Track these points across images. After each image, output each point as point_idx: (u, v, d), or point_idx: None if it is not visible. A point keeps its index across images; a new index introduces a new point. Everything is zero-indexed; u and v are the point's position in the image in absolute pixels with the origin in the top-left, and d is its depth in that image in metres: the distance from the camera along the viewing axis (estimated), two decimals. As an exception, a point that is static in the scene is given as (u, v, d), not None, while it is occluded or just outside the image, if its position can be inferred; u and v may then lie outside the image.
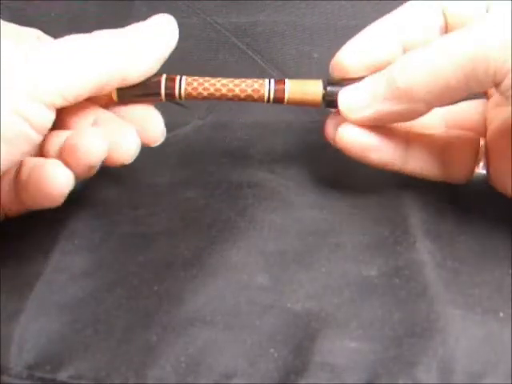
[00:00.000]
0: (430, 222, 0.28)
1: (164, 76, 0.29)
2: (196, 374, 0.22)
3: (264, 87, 0.28)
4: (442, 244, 0.27)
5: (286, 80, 0.29)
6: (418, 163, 0.29)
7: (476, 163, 0.30)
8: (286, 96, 0.28)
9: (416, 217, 0.28)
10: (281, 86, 0.28)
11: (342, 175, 0.32)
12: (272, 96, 0.28)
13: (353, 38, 0.29)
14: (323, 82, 0.28)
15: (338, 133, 0.28)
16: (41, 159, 0.27)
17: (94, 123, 0.28)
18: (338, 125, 0.28)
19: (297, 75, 0.38)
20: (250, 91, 0.28)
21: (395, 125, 0.29)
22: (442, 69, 0.24)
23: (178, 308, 0.24)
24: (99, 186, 0.31)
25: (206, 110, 0.38)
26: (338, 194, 0.30)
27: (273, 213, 0.29)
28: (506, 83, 0.24)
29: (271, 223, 0.28)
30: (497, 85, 0.24)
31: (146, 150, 0.34)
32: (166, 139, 0.33)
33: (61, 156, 0.27)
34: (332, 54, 0.38)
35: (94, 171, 0.27)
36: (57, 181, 0.26)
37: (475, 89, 0.25)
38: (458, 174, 0.30)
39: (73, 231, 0.28)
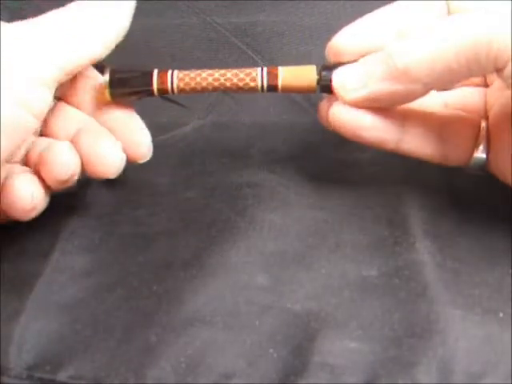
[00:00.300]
0: (429, 222, 0.28)
1: (156, 71, 0.28)
2: (195, 374, 0.22)
3: (257, 77, 0.28)
4: (441, 244, 0.27)
5: (279, 67, 0.28)
6: (414, 142, 0.28)
7: (476, 146, 0.28)
8: (280, 83, 0.28)
9: (416, 217, 0.28)
10: (274, 74, 0.28)
11: (341, 175, 0.32)
12: (266, 84, 0.28)
13: (351, 23, 0.29)
14: (317, 67, 0.28)
15: (330, 112, 0.27)
16: (14, 170, 0.27)
17: (77, 132, 0.28)
18: (331, 106, 0.28)
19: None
20: (243, 82, 0.28)
21: None
22: (444, 50, 0.24)
23: (178, 308, 0.24)
24: (99, 186, 0.31)
25: (205, 110, 0.38)
26: (337, 195, 0.30)
27: (272, 213, 0.29)
28: (508, 70, 0.23)
29: (271, 223, 0.28)
30: (498, 70, 0.24)
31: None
32: (166, 139, 0.33)
33: (36, 167, 0.27)
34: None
35: (71, 183, 0.28)
36: (22, 196, 0.26)
37: (476, 73, 0.25)
38: (455, 156, 0.29)
39: (73, 231, 0.28)
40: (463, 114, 0.29)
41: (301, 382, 0.21)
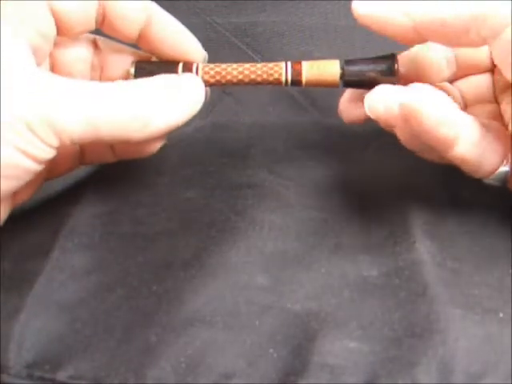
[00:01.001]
0: (429, 222, 0.28)
1: (181, 64, 0.29)
2: (195, 374, 0.22)
3: (282, 71, 0.28)
4: (441, 244, 0.27)
5: (303, 62, 0.28)
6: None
7: (505, 159, 0.27)
8: (304, 78, 0.28)
9: (416, 217, 0.28)
10: (298, 69, 0.28)
11: (341, 176, 0.32)
12: (290, 79, 0.28)
13: None
14: (340, 61, 0.28)
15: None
16: None
17: None
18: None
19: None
20: (267, 76, 0.28)
21: None
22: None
23: (178, 308, 0.24)
24: (99, 185, 0.31)
25: (205, 110, 0.38)
26: (337, 195, 0.30)
27: (272, 213, 0.29)
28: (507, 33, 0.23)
29: (271, 223, 0.28)
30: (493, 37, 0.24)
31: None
32: (166, 139, 0.33)
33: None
34: (332, 54, 0.38)
35: None
36: None
37: (472, 35, 0.25)
38: (489, 166, 0.27)
39: (73, 230, 0.28)
40: (497, 124, 0.28)
41: (301, 382, 0.21)
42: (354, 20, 0.39)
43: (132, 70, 0.29)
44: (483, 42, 0.25)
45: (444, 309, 0.23)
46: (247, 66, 0.29)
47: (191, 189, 0.31)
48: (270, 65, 0.29)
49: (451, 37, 0.26)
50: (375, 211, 0.29)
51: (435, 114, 0.25)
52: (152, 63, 0.29)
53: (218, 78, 0.28)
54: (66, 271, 0.26)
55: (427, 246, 0.26)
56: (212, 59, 0.39)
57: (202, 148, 0.35)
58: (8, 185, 0.24)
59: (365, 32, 0.38)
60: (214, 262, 0.26)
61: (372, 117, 0.27)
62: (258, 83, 0.29)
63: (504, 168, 0.28)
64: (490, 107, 0.31)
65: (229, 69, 0.28)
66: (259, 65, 0.29)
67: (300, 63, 0.28)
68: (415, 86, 0.27)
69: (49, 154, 0.24)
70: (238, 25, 0.39)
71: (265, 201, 0.29)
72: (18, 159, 0.23)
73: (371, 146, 0.33)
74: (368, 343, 0.22)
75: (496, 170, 0.27)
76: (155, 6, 0.28)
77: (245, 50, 0.39)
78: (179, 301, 0.24)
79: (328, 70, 0.28)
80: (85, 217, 0.29)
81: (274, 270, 0.26)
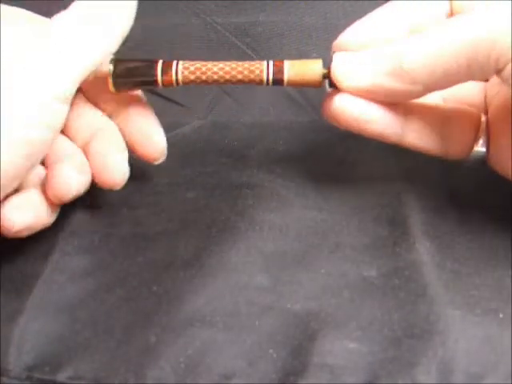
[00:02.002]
0: (429, 222, 0.28)
1: (160, 61, 0.28)
2: (195, 374, 0.22)
3: (263, 69, 0.27)
4: (441, 245, 0.27)
5: (285, 61, 0.28)
6: (416, 136, 0.28)
7: (476, 140, 0.28)
8: (286, 77, 0.27)
9: (415, 217, 0.28)
10: (279, 67, 0.27)
11: (341, 176, 0.32)
12: (271, 78, 0.27)
13: (357, 21, 0.28)
14: (324, 61, 0.28)
15: (334, 104, 0.27)
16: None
17: (91, 137, 0.29)
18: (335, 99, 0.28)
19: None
20: (248, 73, 0.28)
21: None
22: (444, 52, 0.24)
23: (178, 308, 0.24)
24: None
25: (205, 110, 0.38)
26: (337, 195, 0.30)
27: (272, 213, 0.29)
28: (508, 70, 0.23)
29: (271, 224, 0.28)
30: (498, 71, 0.24)
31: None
32: (166, 139, 0.33)
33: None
34: (332, 54, 0.38)
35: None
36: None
37: (476, 76, 0.24)
38: (456, 150, 0.28)
39: (72, 232, 0.28)
40: (464, 108, 0.29)
41: (300, 383, 0.21)
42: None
43: (111, 68, 0.28)
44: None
45: (444, 309, 0.23)
46: (228, 63, 0.28)
47: (191, 189, 0.31)
48: (252, 62, 0.28)
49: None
50: (375, 211, 0.29)
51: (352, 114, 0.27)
52: (131, 61, 0.28)
53: (198, 73, 0.28)
54: (66, 273, 0.26)
55: (427, 247, 0.26)
56: (212, 59, 0.39)
57: (202, 148, 0.35)
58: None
59: (365, 32, 0.38)
60: (214, 262, 0.26)
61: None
62: (239, 81, 0.28)
63: (480, 149, 0.28)
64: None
65: (209, 65, 0.28)
66: (240, 62, 0.28)
67: (282, 62, 0.28)
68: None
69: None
70: (238, 25, 0.39)
71: (265, 201, 0.29)
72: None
73: (371, 147, 0.33)
74: (368, 344, 0.22)
75: (464, 152, 0.28)
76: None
77: (245, 50, 0.39)
78: (179, 301, 0.24)
79: (311, 68, 0.27)
80: (84, 218, 0.29)
81: (273, 270, 0.26)
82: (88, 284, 0.25)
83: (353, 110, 0.27)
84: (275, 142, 0.35)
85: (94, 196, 0.30)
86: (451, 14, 0.28)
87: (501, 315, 0.23)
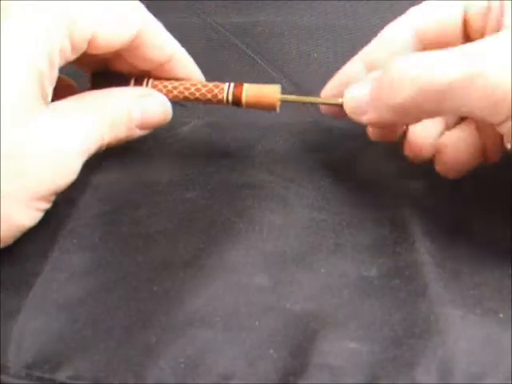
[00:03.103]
0: (429, 222, 0.28)
1: (133, 78, 0.30)
2: (195, 374, 0.22)
3: (223, 91, 0.30)
4: (441, 244, 0.27)
5: (245, 84, 0.30)
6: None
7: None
8: (244, 99, 0.29)
9: (415, 217, 0.28)
10: (239, 90, 0.29)
11: (341, 176, 0.32)
12: (230, 99, 0.30)
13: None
14: (280, 87, 0.30)
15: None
16: None
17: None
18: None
19: (297, 75, 0.38)
20: (210, 96, 0.30)
21: None
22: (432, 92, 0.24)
23: (177, 309, 0.24)
24: (99, 185, 0.31)
25: (205, 110, 0.38)
26: (337, 195, 0.30)
27: (272, 214, 0.29)
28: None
29: (270, 224, 0.28)
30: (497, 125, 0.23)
31: (146, 150, 0.34)
32: (166, 139, 0.33)
33: None
34: (332, 54, 0.38)
35: None
36: None
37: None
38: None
39: (72, 230, 0.28)
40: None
41: (300, 383, 0.21)
42: (354, 20, 0.39)
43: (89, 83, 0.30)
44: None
45: (444, 309, 0.23)
46: (194, 82, 0.30)
47: (191, 189, 0.31)
48: (217, 83, 0.30)
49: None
50: (375, 211, 0.29)
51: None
52: (107, 77, 0.30)
53: (164, 92, 0.30)
54: (66, 272, 0.26)
55: (427, 247, 0.26)
56: (212, 59, 0.39)
57: (202, 148, 0.35)
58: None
59: (365, 32, 0.38)
60: (214, 262, 0.26)
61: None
62: (203, 101, 0.30)
63: None
64: None
65: (176, 84, 0.30)
66: (206, 83, 0.30)
67: (242, 85, 0.30)
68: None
69: None
70: (238, 25, 0.39)
71: (264, 201, 0.29)
72: None
73: (371, 147, 0.33)
74: (368, 344, 0.22)
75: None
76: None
77: (245, 50, 0.39)
78: (179, 301, 0.24)
79: (269, 94, 0.29)
80: (84, 217, 0.29)
81: (273, 270, 0.26)
82: (88, 283, 0.25)
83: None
84: (275, 143, 0.35)
85: (94, 195, 0.30)
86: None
87: (501, 315, 0.23)
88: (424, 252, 0.26)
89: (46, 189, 0.25)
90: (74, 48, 0.26)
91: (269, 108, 0.30)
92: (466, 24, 0.28)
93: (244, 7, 0.39)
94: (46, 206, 0.26)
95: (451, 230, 0.28)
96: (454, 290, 0.24)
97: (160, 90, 0.30)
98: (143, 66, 0.30)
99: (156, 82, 0.30)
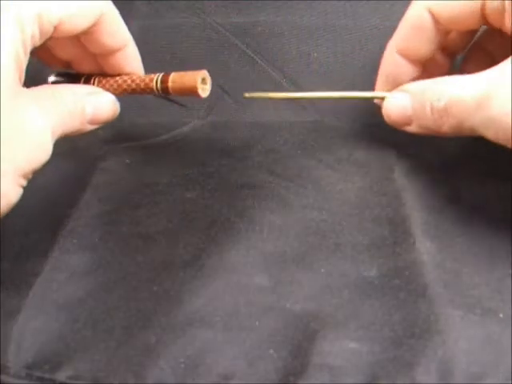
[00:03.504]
0: (429, 222, 0.28)
1: (83, 77, 0.32)
2: (195, 374, 0.22)
3: (154, 79, 0.31)
4: (441, 245, 0.27)
5: (173, 72, 0.30)
6: None
7: None
8: (170, 86, 0.30)
9: (416, 217, 0.28)
10: (166, 79, 0.30)
11: (341, 176, 0.32)
12: (159, 87, 0.30)
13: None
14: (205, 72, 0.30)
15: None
16: None
17: None
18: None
19: (297, 75, 0.38)
20: (143, 85, 0.31)
21: None
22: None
23: (177, 309, 0.24)
24: (99, 185, 0.31)
25: (205, 110, 0.38)
26: (337, 195, 0.30)
27: (272, 214, 0.29)
28: None
29: (270, 224, 0.28)
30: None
31: (145, 150, 0.34)
32: (166, 139, 0.33)
33: None
34: (332, 54, 0.38)
35: None
36: None
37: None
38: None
39: (72, 230, 0.28)
40: None
41: (300, 383, 0.21)
42: (354, 20, 0.39)
43: (52, 78, 0.32)
44: None
45: (444, 309, 0.23)
46: (132, 77, 0.31)
47: (191, 189, 0.31)
48: (150, 75, 0.31)
49: None
50: (375, 211, 0.29)
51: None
52: (67, 74, 0.33)
53: (107, 86, 0.31)
54: (66, 271, 0.26)
55: (427, 247, 0.26)
56: (212, 59, 0.39)
57: (202, 148, 0.35)
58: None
59: (365, 32, 0.38)
60: (214, 262, 0.26)
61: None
62: (140, 92, 0.31)
63: None
64: None
65: (117, 78, 0.31)
66: (141, 76, 0.31)
67: (169, 74, 0.30)
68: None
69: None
70: (238, 25, 0.39)
71: (264, 201, 0.29)
72: None
73: (372, 147, 0.33)
74: (368, 344, 0.22)
75: None
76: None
77: (245, 50, 0.39)
78: (179, 301, 0.24)
79: (189, 80, 0.30)
80: (84, 217, 0.29)
81: (273, 270, 0.26)
82: (88, 283, 0.25)
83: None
84: (275, 143, 0.35)
85: (94, 195, 0.30)
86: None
87: (501, 315, 0.23)
88: (424, 252, 0.26)
89: (31, 165, 0.26)
90: (41, 33, 0.27)
91: (192, 93, 0.30)
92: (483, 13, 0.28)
93: (244, 7, 0.39)
94: (25, 183, 0.27)
95: (451, 229, 0.28)
96: (454, 290, 0.24)
97: (104, 85, 0.31)
98: (95, 49, 0.31)
99: (100, 78, 0.31)
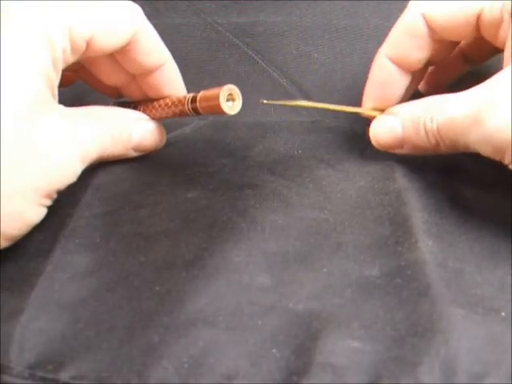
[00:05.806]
0: (431, 221, 0.28)
1: (133, 104, 0.32)
2: (198, 374, 0.22)
3: (184, 104, 0.30)
4: (443, 244, 0.27)
5: (199, 93, 0.30)
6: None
7: None
8: (200, 109, 0.30)
9: (417, 217, 0.28)
10: (194, 98, 0.30)
11: (342, 175, 0.32)
12: (192, 110, 0.30)
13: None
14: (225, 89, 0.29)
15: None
16: None
17: None
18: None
19: (297, 75, 0.38)
20: (178, 111, 0.31)
21: None
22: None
23: (180, 308, 0.24)
24: (100, 185, 0.31)
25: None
26: (339, 194, 0.30)
27: (274, 213, 0.29)
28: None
29: (272, 224, 0.28)
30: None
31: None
32: (168, 139, 0.33)
33: None
34: (332, 54, 0.38)
35: None
36: None
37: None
38: None
39: (74, 230, 0.28)
40: None
41: (303, 382, 0.21)
42: (354, 20, 0.39)
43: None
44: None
45: (446, 309, 0.23)
46: (166, 101, 0.31)
47: (192, 189, 0.31)
48: (179, 98, 0.31)
49: None
50: (377, 211, 0.29)
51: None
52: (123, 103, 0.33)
53: (153, 113, 0.32)
54: (68, 271, 0.26)
55: (429, 246, 0.26)
56: (212, 59, 0.39)
57: (203, 148, 0.35)
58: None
59: (365, 32, 0.38)
60: (216, 262, 0.26)
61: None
62: (178, 116, 0.31)
63: None
64: None
65: (155, 103, 0.31)
66: (174, 99, 0.31)
67: (196, 95, 0.30)
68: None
69: None
70: (238, 25, 0.39)
71: (266, 201, 0.29)
72: None
73: (371, 146, 0.33)
74: (370, 343, 0.22)
75: None
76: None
77: (245, 50, 0.39)
78: (181, 301, 0.24)
79: (212, 97, 0.29)
80: (86, 217, 0.29)
81: (275, 270, 0.26)
82: (90, 283, 0.25)
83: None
84: (276, 142, 0.35)
85: (96, 195, 0.30)
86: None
87: (503, 314, 0.23)
88: (426, 251, 0.26)
89: (53, 186, 0.26)
90: (73, 49, 0.26)
91: (218, 112, 0.29)
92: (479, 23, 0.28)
93: (244, 7, 0.39)
94: (50, 202, 0.27)
95: (453, 229, 0.28)
96: (456, 289, 0.24)
97: (149, 112, 0.31)
98: (133, 70, 0.30)
99: (147, 105, 0.31)
